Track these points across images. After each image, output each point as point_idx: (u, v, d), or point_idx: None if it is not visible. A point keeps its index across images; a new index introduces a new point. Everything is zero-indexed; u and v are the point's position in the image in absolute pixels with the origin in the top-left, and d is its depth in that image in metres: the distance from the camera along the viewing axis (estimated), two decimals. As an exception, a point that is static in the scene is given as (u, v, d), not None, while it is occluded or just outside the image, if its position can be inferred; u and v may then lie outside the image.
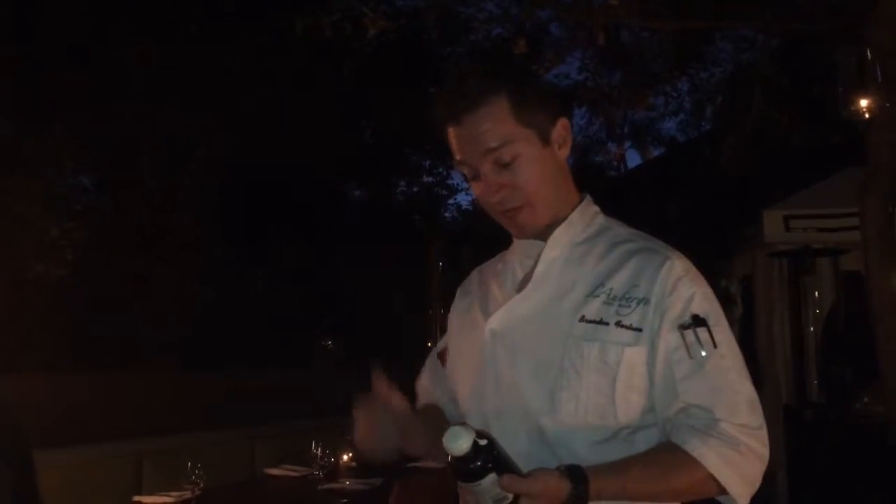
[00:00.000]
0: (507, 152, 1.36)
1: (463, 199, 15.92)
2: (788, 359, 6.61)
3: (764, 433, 1.31)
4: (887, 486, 3.98)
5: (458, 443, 1.14)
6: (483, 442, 1.17)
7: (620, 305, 1.33)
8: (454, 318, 1.59)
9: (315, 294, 11.29)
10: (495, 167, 1.37)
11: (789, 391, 6.56)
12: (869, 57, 3.55)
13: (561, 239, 1.42)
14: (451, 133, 1.40)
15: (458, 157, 1.41)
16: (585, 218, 1.46)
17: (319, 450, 4.25)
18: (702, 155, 8.65)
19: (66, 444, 4.51)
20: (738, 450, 1.27)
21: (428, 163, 14.94)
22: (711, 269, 6.92)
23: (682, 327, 1.31)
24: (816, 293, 6.67)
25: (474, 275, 1.62)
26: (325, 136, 10.80)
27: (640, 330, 1.32)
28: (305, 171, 10.78)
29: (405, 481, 3.31)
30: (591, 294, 1.36)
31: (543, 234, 1.44)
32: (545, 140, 1.40)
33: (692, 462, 1.26)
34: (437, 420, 1.52)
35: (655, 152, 16.48)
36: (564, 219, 1.44)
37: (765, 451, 1.30)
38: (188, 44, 8.52)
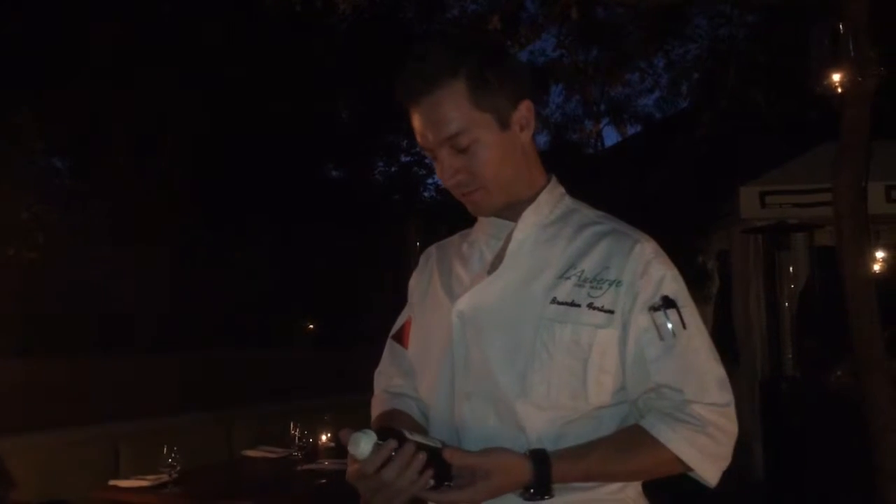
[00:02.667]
0: (464, 139, 1.35)
1: (441, 178, 15.89)
2: (764, 333, 6.67)
3: (732, 410, 1.33)
4: (860, 457, 4.04)
5: (360, 447, 1.16)
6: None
7: (592, 287, 1.33)
8: (415, 296, 1.57)
9: (293, 275, 11.24)
10: (452, 151, 1.37)
11: (765, 365, 6.63)
12: (842, 31, 3.55)
13: (529, 220, 1.42)
14: (412, 113, 1.39)
15: (418, 137, 1.40)
16: (552, 199, 1.45)
17: (298, 431, 4.24)
18: (679, 132, 8.67)
19: (42, 428, 4.47)
20: (706, 432, 1.29)
21: (405, 142, 14.87)
22: (689, 246, 6.96)
23: (653, 309, 1.32)
24: (791, 268, 6.72)
25: (432, 251, 1.60)
26: (302, 116, 10.72)
27: (611, 312, 1.32)
28: (283, 151, 10.69)
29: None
30: (562, 276, 1.35)
31: (509, 214, 1.43)
32: (504, 124, 1.38)
33: (659, 446, 1.28)
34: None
35: (632, 130, 16.51)
36: (531, 199, 1.43)
37: (733, 428, 1.33)
38: (159, 22, 8.38)
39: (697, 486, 1.35)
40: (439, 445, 1.23)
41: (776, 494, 5.62)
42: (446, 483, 1.21)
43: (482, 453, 1.25)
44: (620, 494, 1.35)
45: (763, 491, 5.65)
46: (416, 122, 1.39)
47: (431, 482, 1.20)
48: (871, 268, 3.81)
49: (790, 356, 6.68)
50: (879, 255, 6.71)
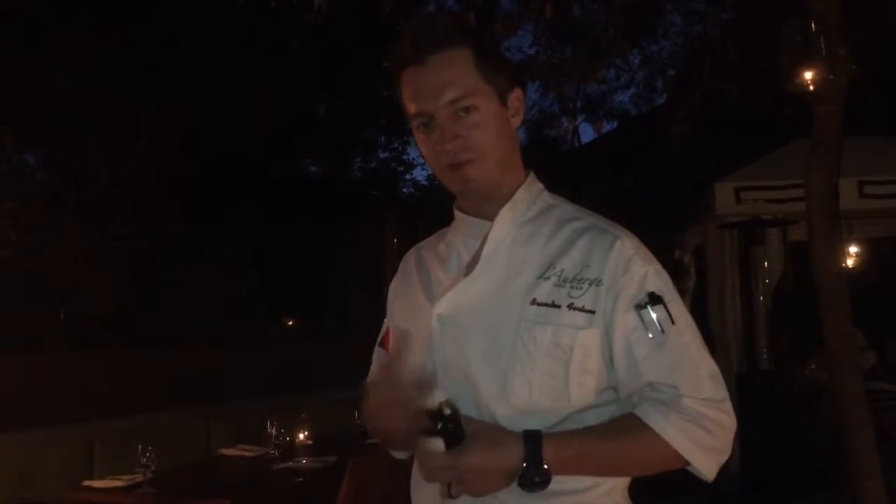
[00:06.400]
0: (467, 103, 1.33)
1: (419, 175, 15.88)
2: (739, 328, 6.73)
3: (728, 404, 1.31)
4: (833, 448, 4.10)
5: (428, 398, 1.21)
6: (447, 411, 1.22)
7: (572, 287, 1.31)
8: (395, 304, 1.54)
9: (271, 271, 11.18)
10: (453, 116, 1.33)
11: (740, 359, 6.69)
12: (813, 29, 3.59)
13: (507, 218, 1.39)
14: (411, 75, 1.35)
15: (413, 102, 1.36)
16: (530, 196, 1.43)
17: (275, 429, 4.23)
18: (654, 128, 8.72)
19: (15, 427, 4.42)
20: (701, 424, 1.27)
21: (383, 138, 14.85)
22: (665, 241, 7.01)
23: (639, 307, 1.30)
24: (766, 263, 6.79)
25: (411, 255, 1.57)
26: (279, 112, 10.65)
27: (592, 312, 1.30)
28: (260, 147, 10.62)
29: (360, 458, 3.31)
30: (542, 276, 1.33)
31: (486, 213, 1.41)
32: (503, 101, 1.38)
33: (653, 434, 1.26)
34: None
35: (608, 126, 16.61)
36: (509, 196, 1.40)
37: (731, 422, 1.31)
38: (132, 17, 8.29)
39: (676, 479, 1.34)
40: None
41: (751, 487, 5.68)
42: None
43: (471, 418, 1.25)
44: (607, 499, 1.33)
45: (738, 483, 5.70)
46: (416, 84, 1.35)
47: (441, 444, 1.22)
48: (842, 263, 3.85)
49: (765, 350, 6.75)
50: (853, 249, 6.81)
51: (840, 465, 3.78)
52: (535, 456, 1.21)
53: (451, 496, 1.25)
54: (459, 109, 1.33)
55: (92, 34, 7.89)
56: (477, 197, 1.41)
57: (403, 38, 1.37)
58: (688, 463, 1.29)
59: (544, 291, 1.32)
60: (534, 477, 1.22)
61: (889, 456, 3.68)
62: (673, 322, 1.31)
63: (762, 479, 5.59)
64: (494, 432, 1.26)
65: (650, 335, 1.29)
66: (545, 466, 1.22)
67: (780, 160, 6.17)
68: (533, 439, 1.22)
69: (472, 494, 1.24)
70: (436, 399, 1.21)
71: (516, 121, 1.41)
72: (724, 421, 1.30)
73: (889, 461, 3.63)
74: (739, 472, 5.75)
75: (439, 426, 1.21)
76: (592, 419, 1.31)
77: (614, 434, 1.28)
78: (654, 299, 1.30)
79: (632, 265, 1.32)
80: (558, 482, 1.25)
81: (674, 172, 8.55)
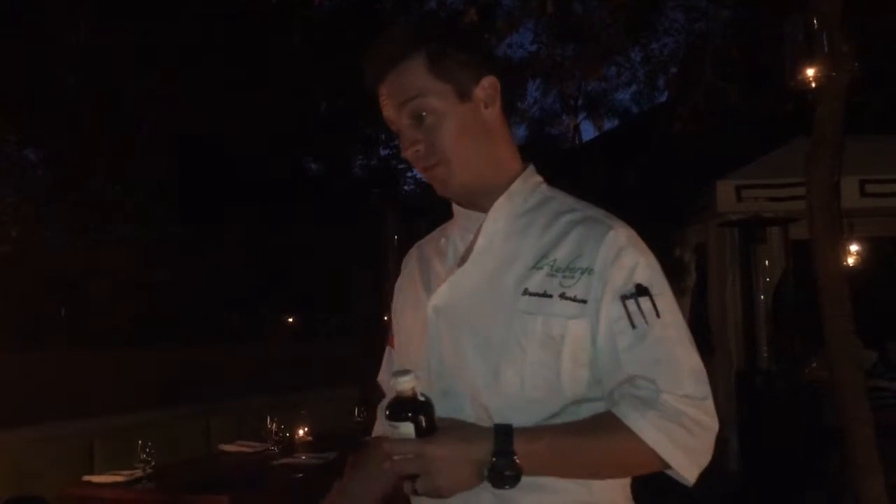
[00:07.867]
0: (419, 105, 1.33)
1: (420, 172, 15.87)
2: (740, 326, 6.73)
3: (709, 403, 1.27)
4: (833, 448, 4.10)
5: (402, 380, 1.19)
6: (421, 398, 1.20)
7: (564, 277, 1.29)
8: (398, 301, 1.55)
9: (271, 269, 11.17)
10: (411, 122, 1.35)
11: (740, 358, 6.69)
12: (815, 26, 3.59)
13: (502, 210, 1.38)
14: (379, 93, 1.39)
15: (385, 118, 1.40)
16: (527, 188, 1.42)
17: (274, 425, 4.25)
18: (656, 126, 8.71)
19: (15, 423, 4.43)
20: (680, 422, 1.23)
21: (384, 135, 14.83)
22: (666, 239, 7.00)
23: (625, 297, 1.27)
24: (767, 262, 6.78)
25: (413, 251, 1.57)
26: (280, 109, 10.65)
27: (584, 301, 1.27)
28: (260, 144, 10.61)
29: (360, 455, 3.30)
30: (535, 266, 1.32)
31: (482, 205, 1.40)
32: (463, 96, 1.35)
33: (629, 433, 1.22)
34: None
35: (610, 124, 16.61)
36: (504, 188, 1.39)
37: (712, 422, 1.26)
38: (133, 12, 8.29)
39: (674, 480, 1.32)
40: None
41: (751, 485, 5.68)
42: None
43: (445, 418, 1.24)
44: (606, 494, 1.31)
45: (738, 481, 5.71)
46: (382, 100, 1.38)
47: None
48: (843, 261, 3.85)
49: (765, 349, 6.75)
50: (854, 247, 6.80)
51: (840, 463, 3.78)
52: (504, 447, 1.18)
53: (415, 492, 1.22)
54: (413, 115, 1.34)
55: (92, 34, 7.89)
56: (460, 194, 1.41)
57: (364, 62, 1.39)
58: (667, 466, 1.24)
59: (536, 281, 1.30)
60: (503, 470, 1.18)
61: (889, 454, 3.68)
62: (658, 315, 1.27)
63: (762, 477, 5.59)
64: (466, 426, 1.25)
65: (633, 326, 1.26)
66: (515, 459, 1.18)
67: (781, 158, 6.17)
68: (503, 431, 1.20)
69: (435, 493, 1.20)
70: (412, 385, 1.19)
71: (491, 111, 1.38)
72: (704, 421, 1.25)
73: (889, 459, 3.63)
74: (740, 471, 5.76)
75: (411, 414, 1.19)
76: (587, 413, 1.29)
77: (588, 430, 1.25)
78: (641, 290, 1.28)
79: (622, 255, 1.29)
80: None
81: (675, 170, 8.53)
